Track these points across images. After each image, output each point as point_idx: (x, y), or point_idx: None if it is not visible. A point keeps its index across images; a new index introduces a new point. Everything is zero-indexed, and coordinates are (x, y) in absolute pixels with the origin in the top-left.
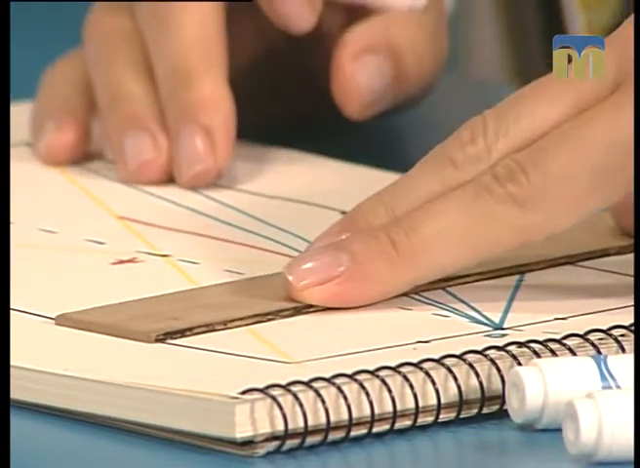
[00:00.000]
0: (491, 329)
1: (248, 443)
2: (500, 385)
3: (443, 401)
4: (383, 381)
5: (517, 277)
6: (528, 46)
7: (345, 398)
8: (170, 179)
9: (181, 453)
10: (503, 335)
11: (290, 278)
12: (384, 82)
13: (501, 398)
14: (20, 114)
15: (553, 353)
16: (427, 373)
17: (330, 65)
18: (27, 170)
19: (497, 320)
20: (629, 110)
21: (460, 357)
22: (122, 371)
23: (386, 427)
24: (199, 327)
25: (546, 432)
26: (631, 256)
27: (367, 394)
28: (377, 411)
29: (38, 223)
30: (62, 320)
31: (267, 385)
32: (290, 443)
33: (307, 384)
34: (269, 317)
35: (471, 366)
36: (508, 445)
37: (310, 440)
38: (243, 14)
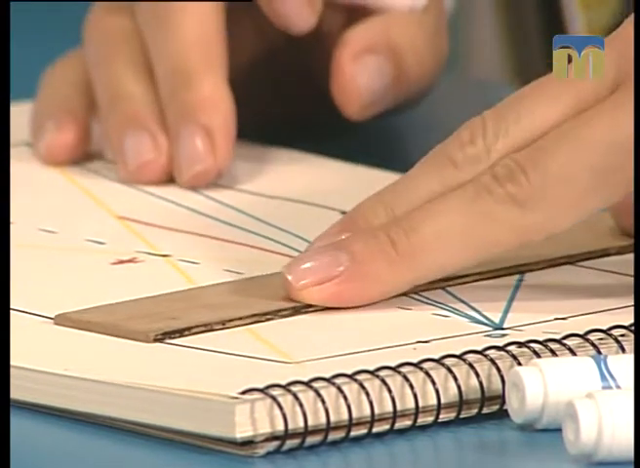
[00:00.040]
0: (491, 329)
1: (248, 443)
2: (499, 385)
3: (443, 401)
4: (383, 381)
5: (517, 277)
6: (528, 46)
7: (345, 398)
8: (170, 179)
9: (181, 453)
10: (503, 335)
11: (289, 278)
12: (384, 82)
13: (501, 398)
14: (20, 114)
15: (553, 353)
16: (427, 373)
17: (330, 65)
18: (27, 170)
19: (497, 320)
20: (629, 110)
21: (459, 357)
22: (122, 371)
23: (386, 427)
24: (197, 326)
25: (546, 432)
26: (631, 256)
27: (367, 394)
28: (377, 411)
29: (38, 223)
30: (61, 319)
31: (267, 385)
32: (290, 443)
33: (307, 384)
34: (268, 317)
35: (471, 366)
36: (508, 445)
37: (310, 440)
38: (243, 14)
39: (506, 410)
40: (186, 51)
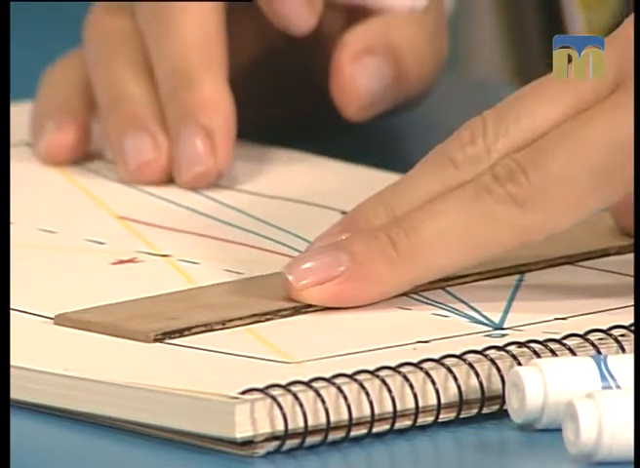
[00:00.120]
0: (491, 329)
1: (248, 443)
2: (499, 385)
3: (443, 401)
4: (383, 381)
5: (517, 277)
6: (528, 46)
7: (345, 398)
8: (170, 180)
9: (181, 453)
10: (503, 335)
11: (289, 278)
12: (384, 83)
13: (501, 398)
14: (20, 114)
15: (553, 353)
16: (427, 373)
17: (330, 66)
18: (27, 170)
19: (497, 320)
20: (629, 110)
21: (460, 357)
22: (122, 371)
23: (386, 427)
24: (197, 326)
25: (546, 432)
26: (631, 256)
27: (367, 394)
28: (377, 411)
29: (38, 223)
30: (61, 319)
31: (267, 385)
32: (290, 443)
33: (307, 384)
34: (268, 317)
35: (471, 366)
36: (508, 445)
37: (310, 440)
38: (243, 14)
39: (506, 410)
40: (186, 51)
